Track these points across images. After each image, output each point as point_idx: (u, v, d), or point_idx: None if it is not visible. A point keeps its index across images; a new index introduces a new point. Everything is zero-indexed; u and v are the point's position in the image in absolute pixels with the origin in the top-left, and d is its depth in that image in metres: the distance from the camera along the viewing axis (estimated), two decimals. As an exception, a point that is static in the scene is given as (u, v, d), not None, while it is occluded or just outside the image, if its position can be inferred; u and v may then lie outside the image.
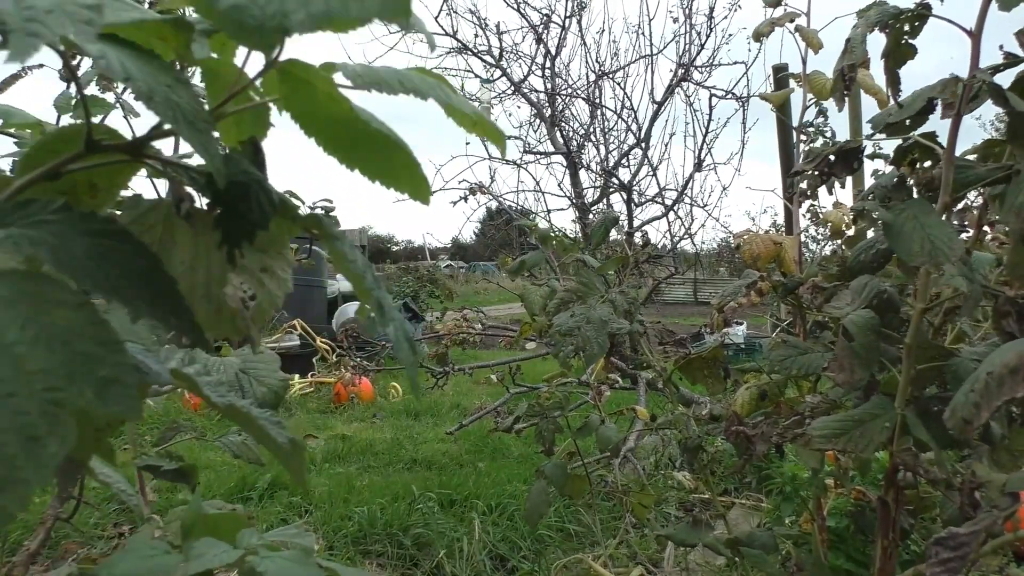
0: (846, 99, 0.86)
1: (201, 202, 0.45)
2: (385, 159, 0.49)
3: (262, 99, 0.48)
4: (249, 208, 0.42)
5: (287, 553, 0.58)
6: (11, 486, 0.27)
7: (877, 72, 0.84)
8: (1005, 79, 0.75)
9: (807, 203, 1.73)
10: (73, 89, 1.17)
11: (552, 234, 2.17)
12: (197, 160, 0.44)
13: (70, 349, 0.31)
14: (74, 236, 0.34)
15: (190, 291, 0.45)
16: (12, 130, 0.91)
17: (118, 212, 0.47)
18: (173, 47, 0.43)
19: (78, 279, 0.33)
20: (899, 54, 0.79)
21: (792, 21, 1.30)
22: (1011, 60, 0.75)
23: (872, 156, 1.31)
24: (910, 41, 0.79)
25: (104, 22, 0.34)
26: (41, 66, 1.38)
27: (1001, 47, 0.76)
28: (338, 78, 0.46)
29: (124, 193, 0.49)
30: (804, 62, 1.36)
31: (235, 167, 0.43)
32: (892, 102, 0.80)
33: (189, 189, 0.45)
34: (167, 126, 0.40)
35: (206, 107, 0.43)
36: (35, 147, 0.44)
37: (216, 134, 0.52)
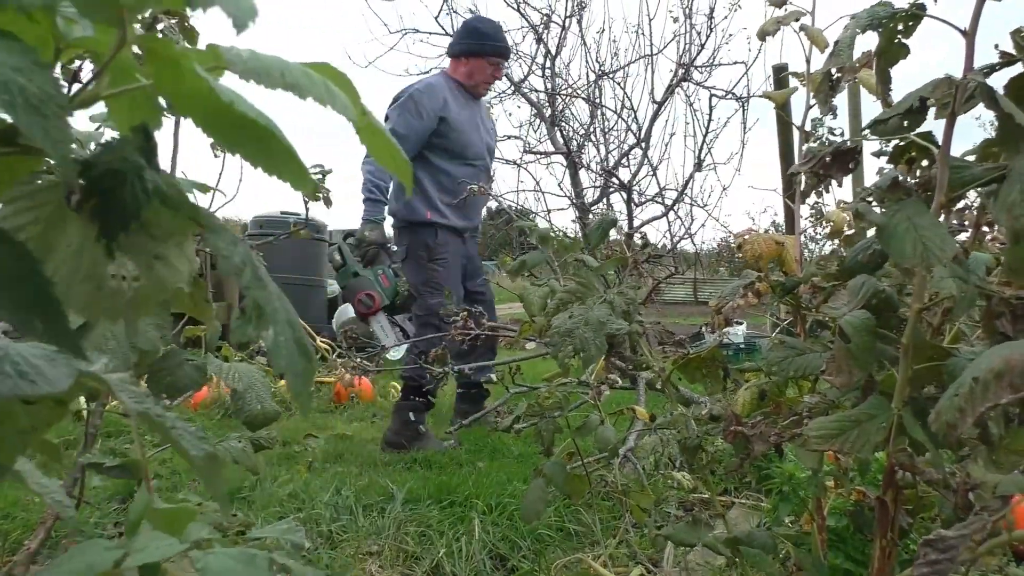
0: (831, 102, 0.86)
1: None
2: (261, 145, 0.47)
3: (148, 81, 0.46)
4: (123, 197, 0.40)
5: (234, 551, 0.55)
6: None
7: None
8: (1000, 80, 0.75)
9: (809, 201, 1.73)
10: None
11: (552, 234, 2.17)
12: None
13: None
14: None
15: (73, 273, 0.43)
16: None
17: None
18: (47, 28, 0.42)
19: None
20: (891, 53, 0.79)
21: (797, 20, 1.29)
22: (1006, 60, 0.75)
23: (877, 154, 1.30)
24: (903, 40, 0.79)
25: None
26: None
27: (996, 46, 0.76)
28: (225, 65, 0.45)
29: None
30: (808, 61, 1.34)
31: (112, 155, 0.41)
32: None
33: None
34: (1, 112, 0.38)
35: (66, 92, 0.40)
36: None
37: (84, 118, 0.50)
